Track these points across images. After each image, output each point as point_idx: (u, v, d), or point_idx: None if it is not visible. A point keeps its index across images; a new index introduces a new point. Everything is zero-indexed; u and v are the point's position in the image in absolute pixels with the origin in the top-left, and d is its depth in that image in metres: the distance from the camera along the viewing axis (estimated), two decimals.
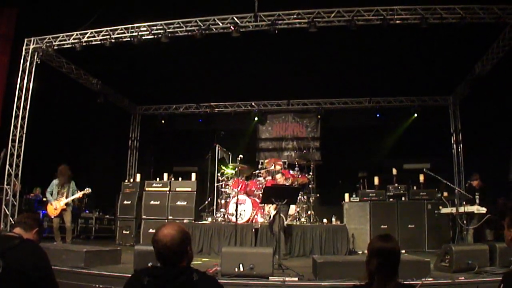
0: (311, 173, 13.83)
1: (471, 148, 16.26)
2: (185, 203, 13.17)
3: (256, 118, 19.08)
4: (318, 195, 14.14)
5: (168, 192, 13.42)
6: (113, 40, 13.02)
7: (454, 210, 10.78)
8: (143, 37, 12.87)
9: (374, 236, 3.54)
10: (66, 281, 6.65)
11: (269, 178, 13.27)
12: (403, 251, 10.79)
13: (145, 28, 12.88)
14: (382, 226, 12.58)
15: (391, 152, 17.85)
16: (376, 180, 13.56)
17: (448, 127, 17.44)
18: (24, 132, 13.29)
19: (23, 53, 13.51)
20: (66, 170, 11.28)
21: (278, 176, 11.62)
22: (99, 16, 12.50)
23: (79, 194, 11.19)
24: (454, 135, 17.30)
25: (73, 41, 13.32)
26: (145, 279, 2.96)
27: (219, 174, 13.76)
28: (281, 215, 9.75)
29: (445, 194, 12.76)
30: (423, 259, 7.53)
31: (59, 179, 11.23)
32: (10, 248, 3.49)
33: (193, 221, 12.72)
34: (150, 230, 12.96)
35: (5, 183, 12.88)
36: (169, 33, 12.72)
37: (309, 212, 13.02)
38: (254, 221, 12.25)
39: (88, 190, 11.33)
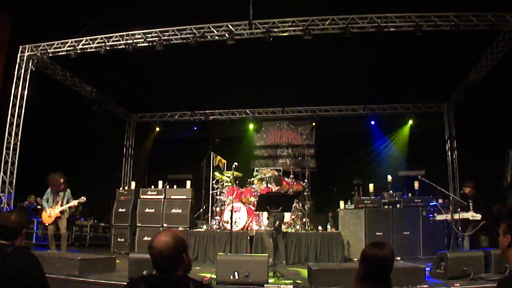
0: (306, 181, 13.86)
1: (466, 155, 16.31)
2: (180, 210, 13.14)
3: (251, 126, 19.11)
4: (313, 202, 14.13)
5: (163, 199, 13.38)
6: (108, 48, 13.02)
7: (449, 216, 10.78)
8: (138, 45, 12.90)
9: (369, 243, 3.55)
10: None
11: (264, 185, 13.26)
12: (398, 258, 10.80)
13: (140, 36, 12.89)
14: (377, 233, 12.54)
15: (386, 159, 17.91)
16: (371, 187, 13.53)
17: (442, 134, 17.50)
18: (19, 139, 13.27)
19: (18, 60, 13.51)
20: (56, 179, 11.10)
21: (271, 185, 11.59)
22: (94, 24, 12.49)
23: (73, 203, 11.06)
24: (448, 141, 17.38)
25: (68, 48, 13.33)
26: (141, 287, 2.95)
27: (214, 182, 13.74)
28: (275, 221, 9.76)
29: (440, 200, 12.77)
30: (418, 266, 7.53)
31: (50, 188, 11.08)
32: (3, 257, 3.46)
33: (188, 229, 12.67)
34: (145, 238, 12.93)
35: None
36: (164, 40, 12.75)
37: (304, 220, 13.01)
38: (249, 228, 12.22)
39: (83, 199, 11.24)
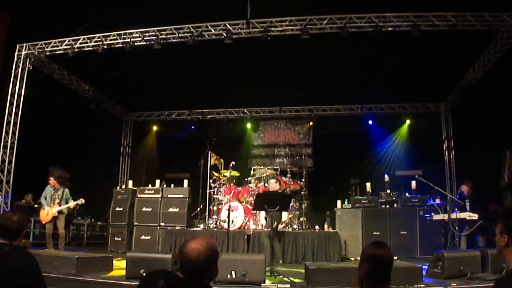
0: (303, 180, 13.82)
1: (463, 155, 16.32)
2: (177, 209, 13.13)
3: (249, 125, 19.11)
4: (310, 201, 14.13)
5: (160, 198, 13.38)
6: (105, 46, 12.99)
7: (446, 216, 10.80)
8: (136, 44, 12.87)
9: (366, 242, 3.57)
10: None
11: (261, 184, 13.25)
12: (395, 258, 10.79)
13: (137, 35, 12.86)
14: (374, 233, 12.55)
15: (383, 158, 17.93)
16: (368, 187, 13.54)
17: (440, 133, 17.51)
18: (16, 138, 13.25)
19: (15, 59, 13.46)
20: (66, 176, 11.23)
21: (272, 181, 11.52)
22: (91, 22, 12.46)
23: (72, 204, 11.09)
24: (446, 141, 17.38)
25: (65, 47, 13.29)
26: (160, 282, 2.92)
27: (211, 181, 13.73)
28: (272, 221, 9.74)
29: (437, 200, 12.77)
30: (415, 266, 7.54)
31: (56, 181, 11.08)
32: (0, 257, 3.45)
33: (185, 228, 12.68)
34: (142, 237, 12.95)
35: None
36: (162, 39, 12.71)
37: (301, 219, 13.00)
38: (246, 227, 12.23)
39: (81, 201, 11.24)
